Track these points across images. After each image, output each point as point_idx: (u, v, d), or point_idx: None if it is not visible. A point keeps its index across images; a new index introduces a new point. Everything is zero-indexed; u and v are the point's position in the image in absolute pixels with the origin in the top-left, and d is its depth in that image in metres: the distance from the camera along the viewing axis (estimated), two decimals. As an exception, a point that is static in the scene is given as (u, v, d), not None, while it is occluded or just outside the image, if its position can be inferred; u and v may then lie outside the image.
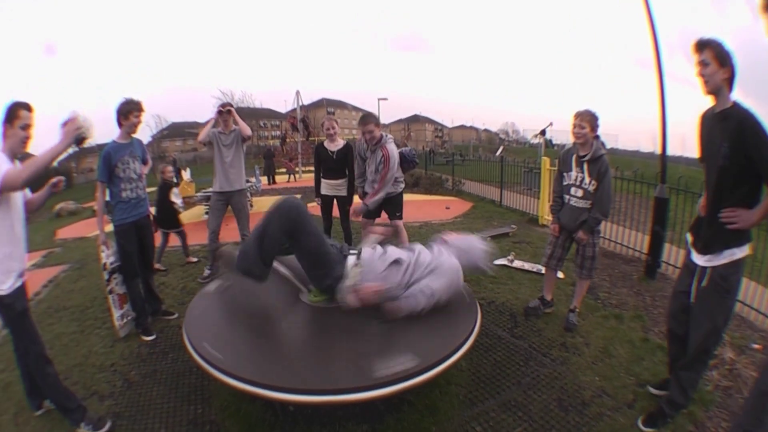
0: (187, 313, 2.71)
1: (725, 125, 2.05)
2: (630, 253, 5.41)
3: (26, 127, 2.28)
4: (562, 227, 3.54)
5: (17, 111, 2.25)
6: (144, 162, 3.71)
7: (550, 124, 8.85)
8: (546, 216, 7.22)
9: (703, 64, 2.05)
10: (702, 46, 2.05)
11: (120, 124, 3.48)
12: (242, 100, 44.95)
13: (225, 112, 4.56)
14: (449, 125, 69.31)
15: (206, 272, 4.92)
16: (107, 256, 3.58)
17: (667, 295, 4.03)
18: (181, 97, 63.85)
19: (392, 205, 4.65)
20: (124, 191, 3.49)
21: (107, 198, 3.58)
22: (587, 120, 3.22)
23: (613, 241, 5.76)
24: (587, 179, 3.28)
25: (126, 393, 2.90)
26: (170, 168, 5.95)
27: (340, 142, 5.04)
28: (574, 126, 3.27)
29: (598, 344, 3.24)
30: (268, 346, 2.36)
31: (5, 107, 2.26)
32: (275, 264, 2.75)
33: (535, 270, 4.83)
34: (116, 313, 3.63)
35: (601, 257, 3.48)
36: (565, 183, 3.45)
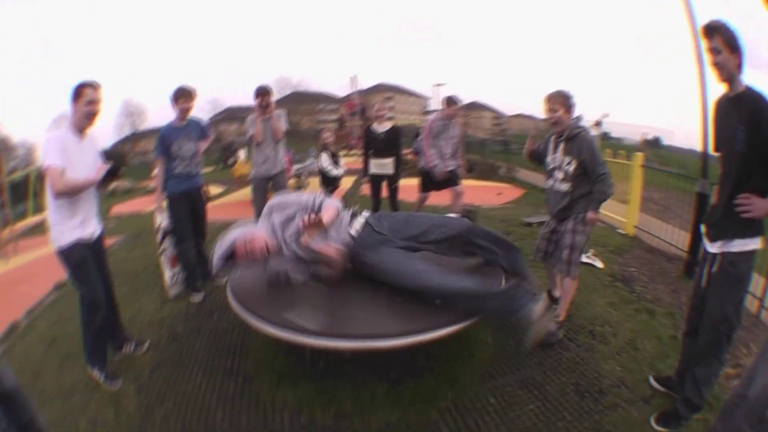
0: (232, 275, 2.97)
1: (739, 110, 2.00)
2: (673, 250, 5.26)
3: (91, 102, 2.55)
4: (550, 214, 3.38)
5: (82, 90, 2.52)
6: (204, 137, 4.04)
7: (606, 114, 8.68)
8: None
9: (715, 51, 1.97)
10: (712, 31, 1.97)
11: (175, 108, 3.87)
12: (299, 84, 46.27)
13: (264, 105, 4.47)
14: (508, 114, 67.67)
15: None
16: (162, 219, 3.94)
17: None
18: (237, 81, 65.97)
19: (454, 176, 5.38)
20: (177, 168, 3.88)
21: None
22: (559, 102, 3.07)
23: (657, 236, 5.61)
24: (566, 160, 3.13)
25: (171, 345, 3.21)
26: (328, 134, 6.32)
27: (387, 124, 5.36)
28: (547, 110, 3.13)
29: (626, 336, 3.22)
30: (307, 301, 2.52)
31: (72, 88, 2.53)
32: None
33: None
34: (167, 273, 3.99)
35: (581, 250, 3.19)
36: (548, 167, 3.31)
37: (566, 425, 2.33)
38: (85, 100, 2.52)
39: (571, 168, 3.08)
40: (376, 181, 5.45)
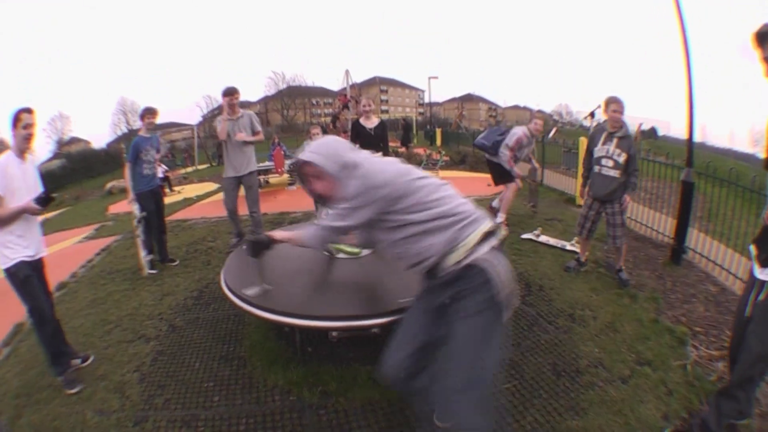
0: (225, 264, 3.10)
1: None
2: (660, 238, 5.37)
3: (27, 126, 2.68)
4: (593, 197, 4.06)
5: (19, 115, 2.65)
6: (157, 151, 4.90)
7: (599, 106, 8.70)
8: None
9: None
10: (765, 38, 1.69)
11: (142, 123, 4.81)
12: (294, 79, 46.45)
13: (230, 105, 4.91)
14: (503, 105, 67.69)
15: (233, 241, 5.43)
16: (137, 210, 4.74)
17: (689, 282, 4.10)
18: (231, 77, 66.47)
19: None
20: (145, 170, 4.74)
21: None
22: (622, 107, 3.88)
23: (644, 224, 5.72)
24: (617, 151, 3.86)
25: (170, 336, 3.37)
26: (317, 131, 6.58)
27: (375, 120, 5.47)
28: (613, 111, 3.89)
29: (606, 319, 3.32)
30: (293, 287, 2.66)
31: (10, 115, 2.66)
32: None
33: (559, 246, 5.01)
34: (143, 253, 4.73)
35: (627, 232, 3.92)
36: (595, 156, 4.00)
37: (542, 403, 2.45)
38: (22, 124, 2.65)
39: (622, 159, 3.85)
40: None
